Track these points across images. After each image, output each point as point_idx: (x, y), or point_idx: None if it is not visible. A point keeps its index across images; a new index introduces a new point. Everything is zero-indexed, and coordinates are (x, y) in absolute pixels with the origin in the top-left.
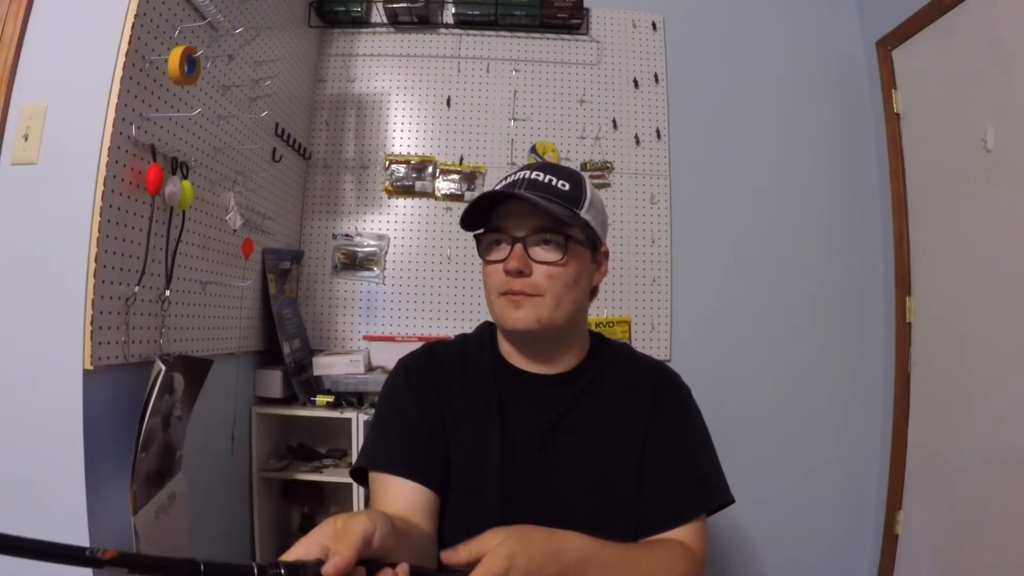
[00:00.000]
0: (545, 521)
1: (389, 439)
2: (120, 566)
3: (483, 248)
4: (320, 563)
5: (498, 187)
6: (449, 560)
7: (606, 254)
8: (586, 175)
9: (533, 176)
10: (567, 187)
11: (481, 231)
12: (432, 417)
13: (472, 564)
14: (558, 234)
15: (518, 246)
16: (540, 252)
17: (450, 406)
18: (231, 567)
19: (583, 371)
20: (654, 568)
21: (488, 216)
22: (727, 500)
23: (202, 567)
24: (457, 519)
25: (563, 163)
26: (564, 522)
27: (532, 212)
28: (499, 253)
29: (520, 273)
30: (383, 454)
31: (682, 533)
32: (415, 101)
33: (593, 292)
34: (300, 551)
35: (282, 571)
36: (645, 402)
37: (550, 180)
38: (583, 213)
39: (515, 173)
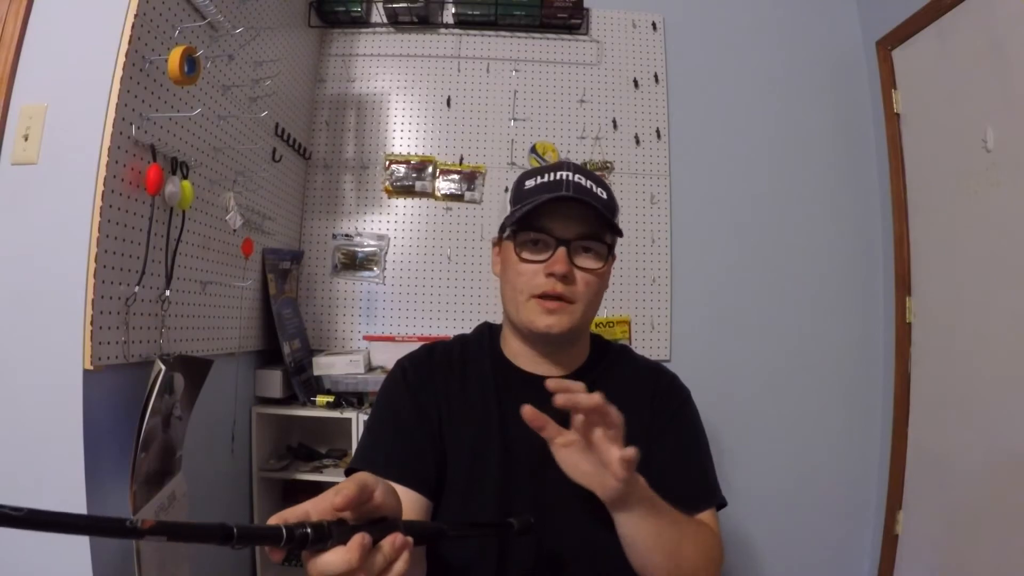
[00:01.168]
0: (546, 522)
1: (382, 441)
2: (159, 534)
3: (519, 244)
4: (340, 522)
5: (529, 183)
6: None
7: (614, 258)
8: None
9: (577, 180)
10: (605, 195)
11: (515, 227)
12: (428, 418)
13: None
14: (601, 243)
15: (563, 249)
16: (582, 258)
17: (448, 406)
18: (261, 530)
19: (585, 372)
20: (697, 531)
21: (526, 213)
22: (723, 501)
23: (235, 531)
24: (451, 516)
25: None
26: (566, 523)
27: (578, 216)
28: (538, 253)
29: (564, 278)
30: (375, 456)
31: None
32: (415, 101)
33: None
34: (308, 506)
35: (308, 530)
36: (645, 403)
37: (591, 186)
38: (616, 222)
39: (552, 172)
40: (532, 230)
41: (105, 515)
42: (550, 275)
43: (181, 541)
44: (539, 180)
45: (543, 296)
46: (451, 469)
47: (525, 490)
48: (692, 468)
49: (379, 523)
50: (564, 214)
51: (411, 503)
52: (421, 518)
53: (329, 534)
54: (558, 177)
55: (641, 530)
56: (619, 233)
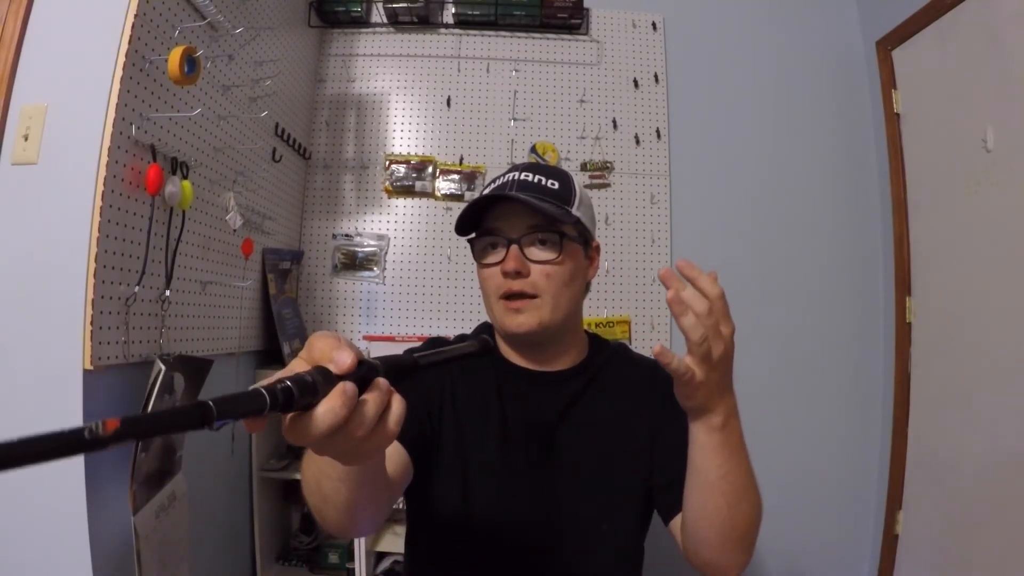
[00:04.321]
0: (545, 511)
1: None
2: (128, 438)
3: (478, 252)
4: (322, 369)
5: (487, 191)
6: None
7: (597, 249)
8: (574, 173)
9: (522, 177)
10: (556, 186)
11: (474, 236)
12: (428, 398)
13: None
14: (553, 232)
15: (514, 247)
16: (536, 251)
17: (452, 395)
18: (241, 397)
19: (584, 368)
20: (756, 491)
21: (480, 220)
22: None
23: (214, 408)
24: (451, 505)
25: (563, 163)
26: (565, 512)
27: (525, 212)
28: (495, 256)
29: (518, 274)
30: None
31: None
32: (415, 101)
33: (586, 288)
34: (281, 373)
35: (288, 383)
36: (646, 398)
37: (539, 180)
38: (574, 210)
39: (503, 175)
40: (484, 234)
41: (55, 432)
42: (505, 273)
43: (155, 436)
44: (492, 187)
45: (507, 297)
46: (447, 456)
47: (524, 480)
48: None
49: (359, 366)
50: (512, 212)
51: (395, 453)
52: (401, 469)
53: (314, 386)
54: (505, 180)
55: (709, 459)
56: (572, 219)
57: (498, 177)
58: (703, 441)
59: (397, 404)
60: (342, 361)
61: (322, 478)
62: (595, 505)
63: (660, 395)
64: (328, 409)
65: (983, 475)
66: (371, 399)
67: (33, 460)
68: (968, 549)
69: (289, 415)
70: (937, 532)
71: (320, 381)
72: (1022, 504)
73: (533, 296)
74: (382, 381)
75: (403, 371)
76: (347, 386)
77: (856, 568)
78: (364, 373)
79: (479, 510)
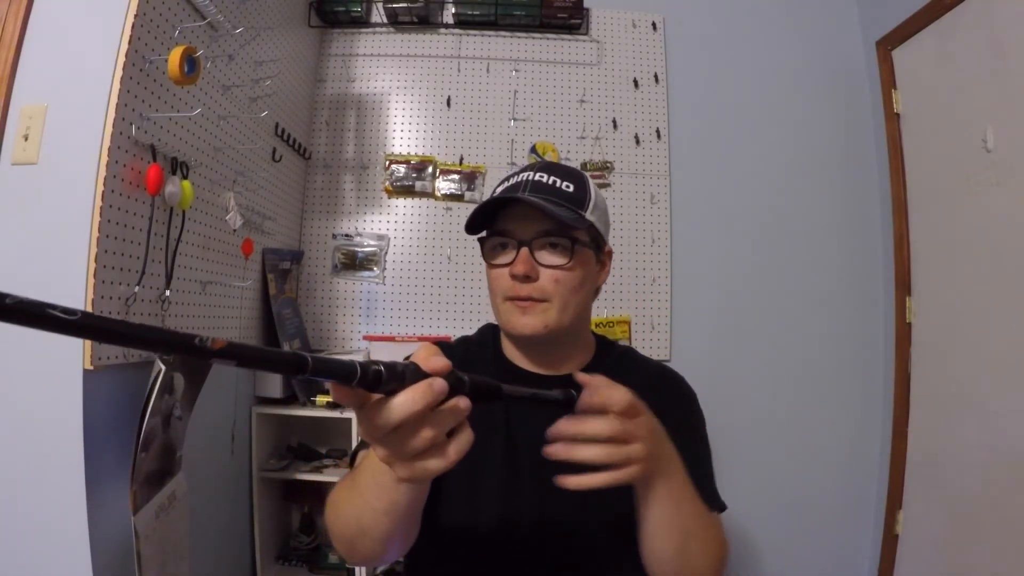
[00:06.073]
0: (548, 522)
1: None
2: (230, 358)
3: (487, 251)
4: (414, 365)
5: (499, 189)
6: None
7: (610, 254)
8: (588, 174)
9: (537, 177)
10: (571, 188)
11: (484, 234)
12: None
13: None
14: (564, 237)
15: (524, 250)
16: (546, 256)
17: None
18: (336, 362)
19: (588, 373)
20: (707, 533)
21: (492, 219)
22: (723, 506)
23: (309, 362)
24: (454, 518)
25: (563, 163)
26: (569, 523)
27: (538, 215)
28: (504, 257)
29: (527, 278)
30: None
31: None
32: (415, 101)
33: (595, 292)
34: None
35: (381, 368)
36: (651, 405)
37: (554, 181)
38: (588, 215)
39: (518, 174)
40: (495, 235)
41: (173, 331)
42: (513, 276)
43: (253, 367)
44: (505, 185)
45: (515, 298)
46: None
47: (528, 489)
48: (697, 476)
49: (449, 374)
50: (524, 214)
51: None
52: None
53: (403, 375)
54: (519, 180)
55: (650, 508)
56: (585, 224)
57: (512, 175)
58: (642, 494)
59: (466, 435)
60: (434, 363)
61: (364, 511)
62: (604, 515)
63: (666, 402)
64: (407, 398)
65: (983, 475)
66: (449, 406)
67: (152, 347)
68: (968, 549)
69: (372, 399)
70: (937, 532)
71: (410, 373)
72: (1022, 504)
73: (541, 300)
74: (463, 400)
75: (486, 394)
76: (435, 381)
77: (856, 568)
78: (452, 382)
79: (484, 518)
